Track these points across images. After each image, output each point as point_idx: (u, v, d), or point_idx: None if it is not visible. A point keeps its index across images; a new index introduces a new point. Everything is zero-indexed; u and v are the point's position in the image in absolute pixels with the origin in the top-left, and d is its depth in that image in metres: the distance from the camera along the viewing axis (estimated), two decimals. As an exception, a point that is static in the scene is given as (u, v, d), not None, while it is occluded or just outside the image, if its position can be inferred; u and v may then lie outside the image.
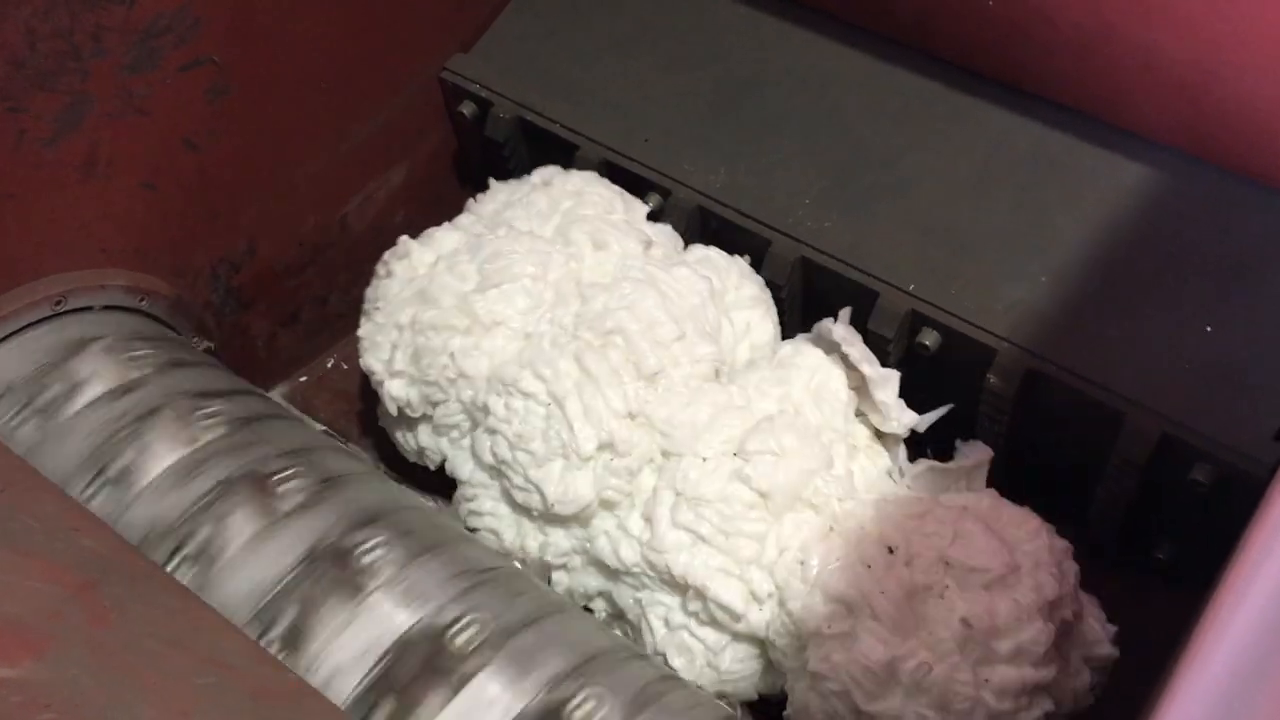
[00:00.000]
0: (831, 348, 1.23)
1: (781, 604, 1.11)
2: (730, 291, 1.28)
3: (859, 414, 1.25)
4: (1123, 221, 1.22)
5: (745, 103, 1.39)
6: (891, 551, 1.09)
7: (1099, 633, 1.12)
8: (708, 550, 1.12)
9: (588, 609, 1.23)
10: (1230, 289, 1.16)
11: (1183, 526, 1.19)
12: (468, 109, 1.48)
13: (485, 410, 1.21)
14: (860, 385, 1.23)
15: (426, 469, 1.33)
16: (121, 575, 0.89)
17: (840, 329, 1.22)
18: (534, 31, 1.51)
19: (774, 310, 1.31)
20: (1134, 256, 1.20)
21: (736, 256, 1.31)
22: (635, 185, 1.37)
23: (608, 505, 1.17)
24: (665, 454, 1.17)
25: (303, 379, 1.55)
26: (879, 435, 1.25)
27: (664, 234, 1.33)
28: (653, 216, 1.35)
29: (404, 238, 1.34)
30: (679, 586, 1.13)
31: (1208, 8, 1.12)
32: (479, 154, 1.54)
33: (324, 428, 1.34)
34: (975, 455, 1.21)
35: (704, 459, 1.14)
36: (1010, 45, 1.28)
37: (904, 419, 1.22)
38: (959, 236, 1.25)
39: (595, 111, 1.42)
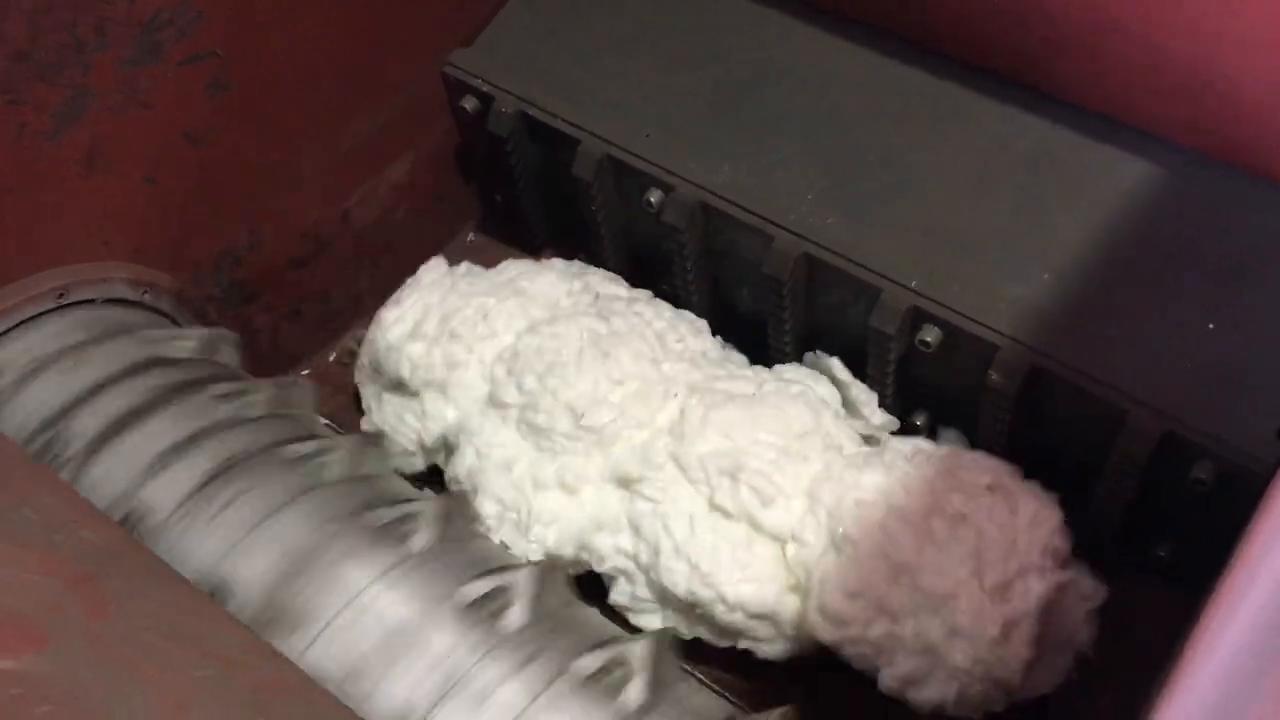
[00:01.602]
0: (818, 371, 1.34)
1: (809, 495, 1.17)
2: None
3: None
4: (1125, 219, 1.22)
5: (748, 100, 1.39)
6: (908, 460, 1.19)
7: (1086, 575, 1.16)
8: (736, 449, 1.19)
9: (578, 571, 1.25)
10: (1233, 287, 1.16)
11: (1184, 525, 1.19)
12: (470, 104, 1.48)
13: (514, 356, 1.28)
14: (842, 402, 1.33)
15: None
16: (121, 568, 0.89)
17: (821, 353, 1.34)
18: (536, 26, 1.51)
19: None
20: (1136, 254, 1.20)
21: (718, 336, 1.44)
22: (637, 180, 1.37)
23: (632, 426, 1.23)
24: (691, 389, 1.25)
25: (304, 373, 1.55)
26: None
27: None
28: (654, 211, 1.35)
29: (436, 257, 1.45)
30: (707, 480, 1.19)
31: (1211, 3, 1.11)
32: (482, 149, 1.54)
33: (326, 421, 1.34)
34: (954, 437, 1.30)
35: (728, 390, 1.24)
36: (1013, 41, 1.28)
37: (884, 418, 1.31)
38: (961, 233, 1.25)
39: (597, 107, 1.42)
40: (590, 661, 1.02)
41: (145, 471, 1.11)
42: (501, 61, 1.48)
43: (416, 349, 1.33)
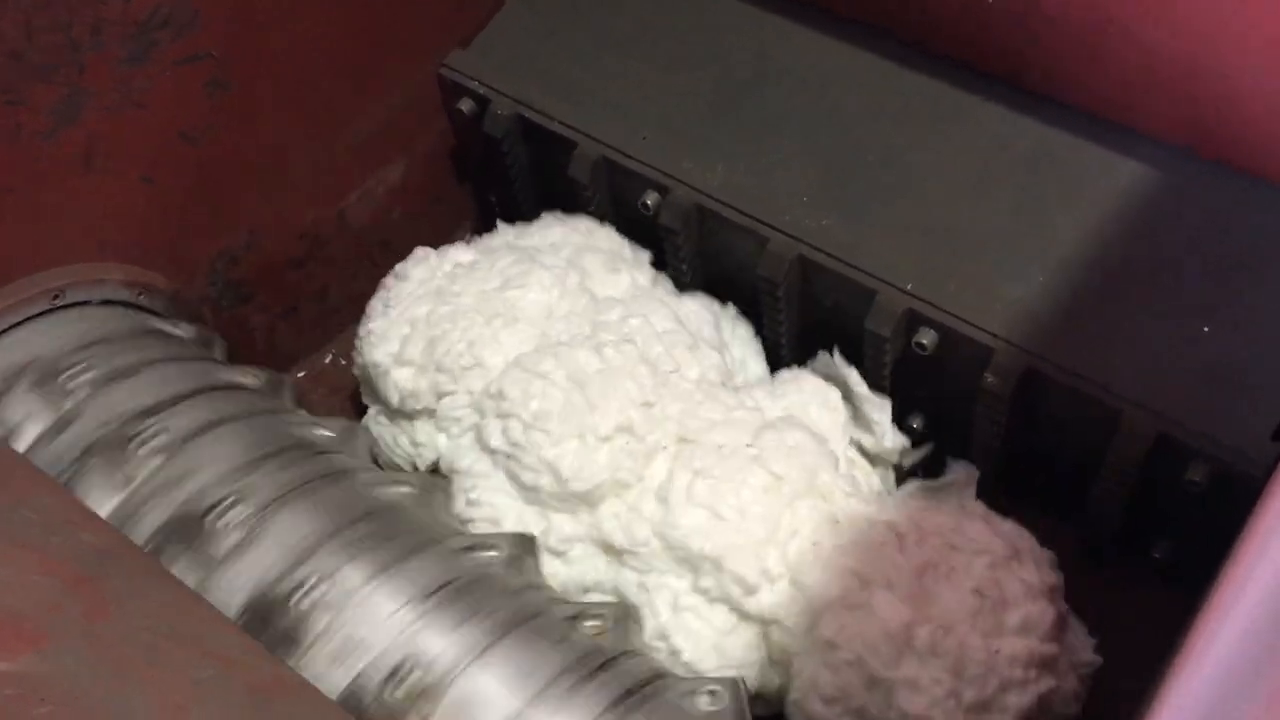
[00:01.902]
0: (828, 377, 1.30)
1: (794, 581, 1.13)
2: (726, 330, 1.37)
3: (852, 442, 1.30)
4: (1121, 220, 1.22)
5: (744, 101, 1.39)
6: (900, 536, 1.13)
7: (1084, 640, 1.15)
8: (723, 527, 1.14)
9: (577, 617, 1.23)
10: (1229, 288, 1.16)
11: (1179, 526, 1.20)
12: (466, 106, 1.48)
13: (499, 396, 1.22)
14: (854, 414, 1.30)
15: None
16: (120, 569, 0.89)
17: (838, 357, 1.30)
18: (533, 28, 1.51)
19: (763, 354, 1.39)
20: (1133, 255, 1.20)
21: (730, 304, 1.40)
22: (633, 182, 1.37)
23: (620, 487, 1.19)
24: (681, 440, 1.20)
25: (300, 374, 1.55)
26: (870, 460, 1.30)
27: (664, 279, 1.42)
28: (650, 214, 1.35)
29: (422, 247, 1.39)
30: (691, 562, 1.15)
31: (1210, 3, 1.12)
32: (478, 151, 1.54)
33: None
34: (963, 472, 1.26)
35: (720, 445, 1.17)
36: (1011, 42, 1.28)
37: (896, 440, 1.28)
38: (957, 235, 1.25)
39: (594, 108, 1.42)
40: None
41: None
42: (497, 63, 1.48)
43: (404, 375, 1.29)
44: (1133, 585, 1.24)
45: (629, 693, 0.99)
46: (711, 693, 1.01)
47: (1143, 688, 0.75)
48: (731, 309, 1.40)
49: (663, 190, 1.35)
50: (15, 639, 0.76)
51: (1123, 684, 1.14)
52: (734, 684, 1.03)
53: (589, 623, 1.07)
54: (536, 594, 1.10)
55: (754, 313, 1.39)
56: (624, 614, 1.12)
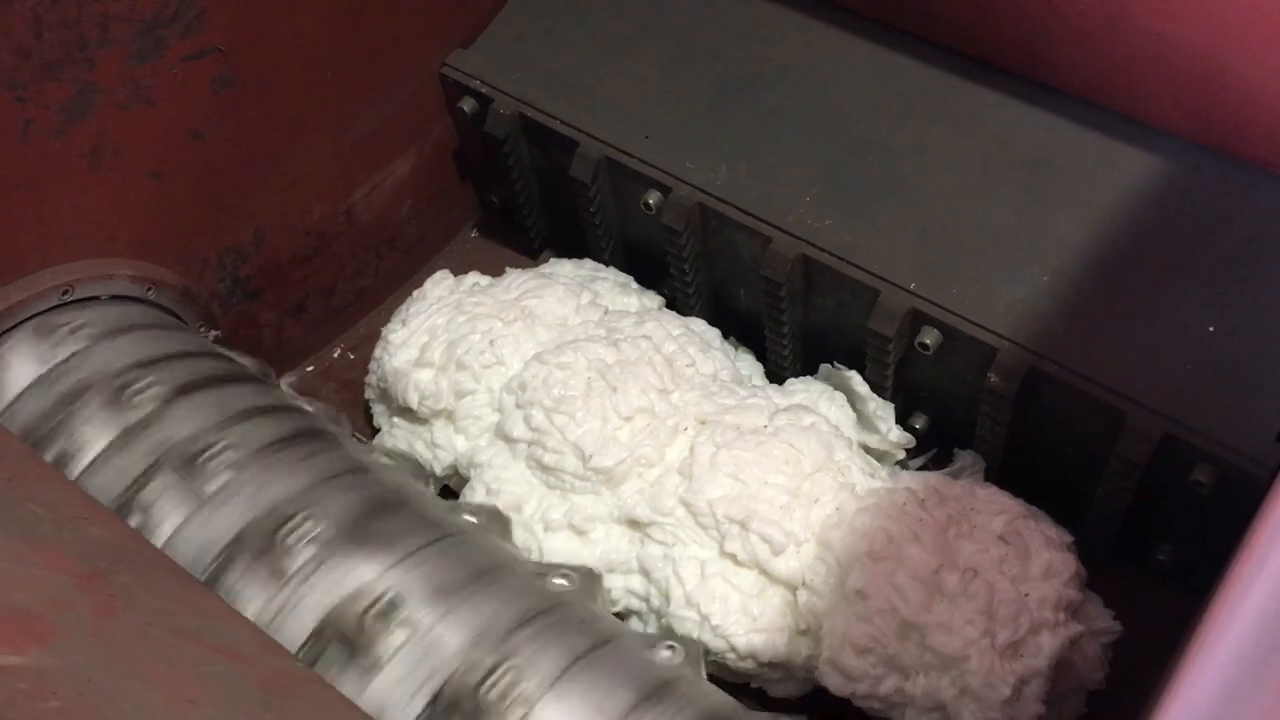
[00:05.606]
0: (831, 385, 1.34)
1: (820, 543, 1.17)
2: (730, 353, 1.42)
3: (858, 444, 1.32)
4: (1125, 218, 1.22)
5: (746, 100, 1.39)
6: (920, 500, 1.17)
7: (1101, 610, 1.17)
8: (747, 493, 1.18)
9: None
10: (1234, 285, 1.16)
11: (1183, 528, 1.20)
12: (468, 105, 1.48)
13: (521, 388, 1.27)
14: (858, 418, 1.33)
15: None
16: (129, 564, 0.90)
17: (841, 368, 1.34)
18: (535, 28, 1.51)
19: (765, 378, 1.44)
20: (1137, 254, 1.20)
21: (731, 336, 1.46)
22: (635, 181, 1.37)
23: (642, 465, 1.23)
24: (701, 422, 1.25)
25: (309, 369, 1.55)
26: (877, 459, 1.32)
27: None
28: (652, 213, 1.36)
29: (443, 270, 1.45)
30: (718, 527, 1.18)
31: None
32: (479, 150, 1.54)
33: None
34: (970, 459, 1.30)
35: (738, 425, 1.22)
36: (1017, 33, 1.28)
37: (901, 435, 1.32)
38: (960, 234, 1.26)
39: (596, 108, 1.42)
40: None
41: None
42: (499, 63, 1.48)
43: (424, 377, 1.32)
44: (1135, 587, 1.24)
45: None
46: (671, 647, 1.06)
47: (1148, 690, 0.75)
48: (733, 340, 1.44)
49: (665, 190, 1.35)
50: (25, 634, 0.77)
51: (1126, 686, 1.15)
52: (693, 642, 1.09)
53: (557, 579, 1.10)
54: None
55: (756, 329, 1.39)
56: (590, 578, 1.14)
